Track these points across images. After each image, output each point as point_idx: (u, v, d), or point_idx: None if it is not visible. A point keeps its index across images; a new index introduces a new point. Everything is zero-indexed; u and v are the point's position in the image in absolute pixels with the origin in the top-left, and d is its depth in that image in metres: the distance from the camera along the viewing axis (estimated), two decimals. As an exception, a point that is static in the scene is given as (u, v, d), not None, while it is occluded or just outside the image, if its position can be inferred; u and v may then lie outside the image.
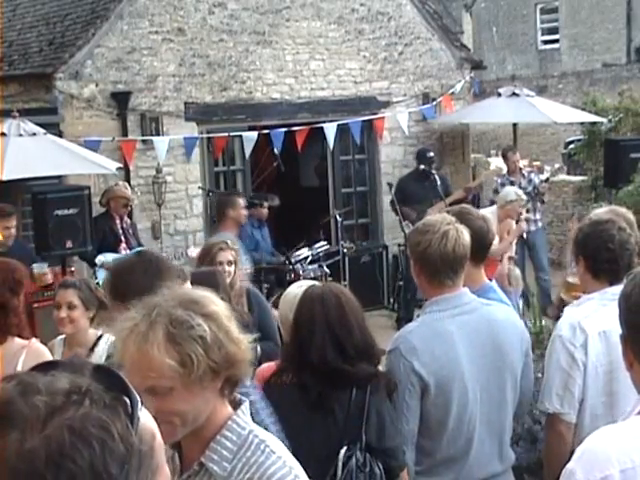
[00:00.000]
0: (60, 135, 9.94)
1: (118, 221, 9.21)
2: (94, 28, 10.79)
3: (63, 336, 4.89)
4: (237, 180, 12.36)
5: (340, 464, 3.28)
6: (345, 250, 11.25)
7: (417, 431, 3.57)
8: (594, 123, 14.19)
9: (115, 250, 8.90)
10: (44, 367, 1.20)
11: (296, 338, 3.48)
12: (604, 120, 14.08)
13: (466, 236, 3.60)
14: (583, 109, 14.85)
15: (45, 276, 7.81)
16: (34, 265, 7.80)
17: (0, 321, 4.33)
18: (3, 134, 8.52)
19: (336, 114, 12.49)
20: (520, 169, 11.57)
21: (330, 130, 11.88)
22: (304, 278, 9.37)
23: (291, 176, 13.23)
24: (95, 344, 4.77)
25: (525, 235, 10.40)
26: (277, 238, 11.27)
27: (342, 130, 12.17)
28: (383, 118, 12.83)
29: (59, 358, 4.62)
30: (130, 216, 10.46)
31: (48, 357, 4.35)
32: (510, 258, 8.37)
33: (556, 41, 31.34)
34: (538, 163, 18.36)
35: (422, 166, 11.61)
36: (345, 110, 12.65)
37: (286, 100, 12.27)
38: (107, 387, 1.13)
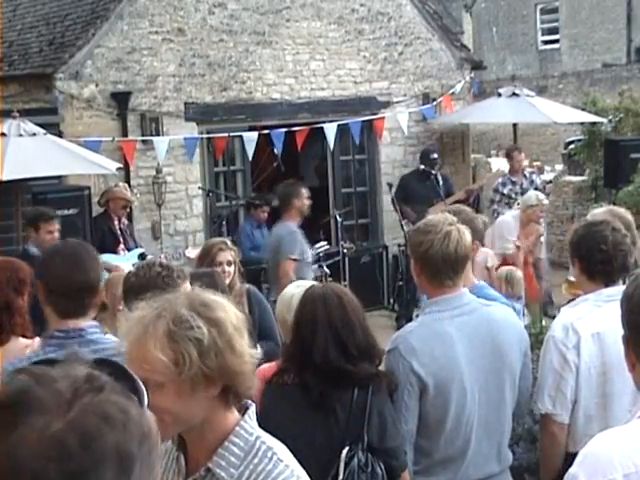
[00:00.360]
0: (60, 135, 9.93)
1: (116, 222, 9.21)
2: (94, 28, 10.79)
3: None
4: (237, 180, 12.36)
5: (342, 464, 3.28)
6: (345, 250, 11.24)
7: (415, 431, 3.58)
8: (594, 123, 14.19)
9: (114, 251, 8.90)
10: (46, 362, 1.22)
11: (298, 338, 3.48)
12: (604, 120, 14.08)
13: (468, 237, 3.60)
14: (583, 109, 14.85)
15: None
16: None
17: (4, 321, 4.30)
18: (3, 134, 8.52)
19: (336, 114, 12.49)
20: (522, 169, 11.55)
21: (330, 130, 11.88)
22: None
23: (291, 176, 13.20)
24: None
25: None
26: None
27: (342, 130, 12.17)
28: (383, 118, 12.83)
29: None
30: (130, 218, 10.47)
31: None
32: (526, 263, 8.35)
33: (556, 41, 31.34)
34: (538, 163, 18.39)
35: (422, 166, 11.61)
36: (345, 110, 12.65)
37: (286, 100, 12.27)
38: (114, 377, 1.18)
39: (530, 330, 5.28)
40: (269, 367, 3.86)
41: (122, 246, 9.02)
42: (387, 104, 13.15)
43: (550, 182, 11.95)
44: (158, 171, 11.07)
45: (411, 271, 3.75)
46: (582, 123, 15.04)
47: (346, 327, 3.38)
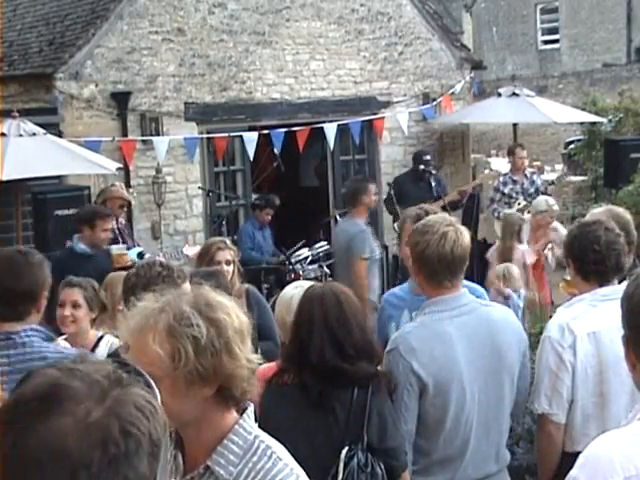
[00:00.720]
0: (60, 135, 9.93)
1: (114, 221, 9.20)
2: (94, 28, 10.79)
3: (64, 336, 4.89)
4: (237, 180, 12.36)
5: (341, 464, 3.28)
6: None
7: (415, 431, 3.58)
8: (594, 123, 14.20)
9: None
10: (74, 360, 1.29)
11: (296, 338, 3.49)
12: (604, 120, 14.08)
13: (466, 238, 3.61)
14: (583, 109, 14.86)
15: (123, 257, 7.72)
16: (112, 247, 7.71)
17: None
18: (3, 134, 8.52)
19: (336, 114, 12.49)
20: (524, 168, 11.51)
21: (330, 130, 11.88)
22: (304, 278, 9.37)
23: (291, 176, 13.22)
24: (96, 345, 4.77)
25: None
26: (277, 238, 11.27)
27: (342, 130, 12.17)
28: (383, 118, 12.83)
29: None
30: (130, 217, 10.47)
31: None
32: (538, 267, 8.35)
33: (556, 41, 31.36)
34: (538, 163, 18.39)
35: (422, 166, 11.60)
36: (345, 110, 12.65)
37: (286, 100, 12.26)
38: (128, 374, 1.24)
39: (530, 330, 5.29)
40: (268, 367, 3.86)
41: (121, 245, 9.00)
42: (387, 104, 13.15)
43: (553, 183, 11.90)
44: (158, 171, 11.07)
45: (405, 272, 3.77)
46: (582, 123, 15.05)
47: (342, 326, 3.38)
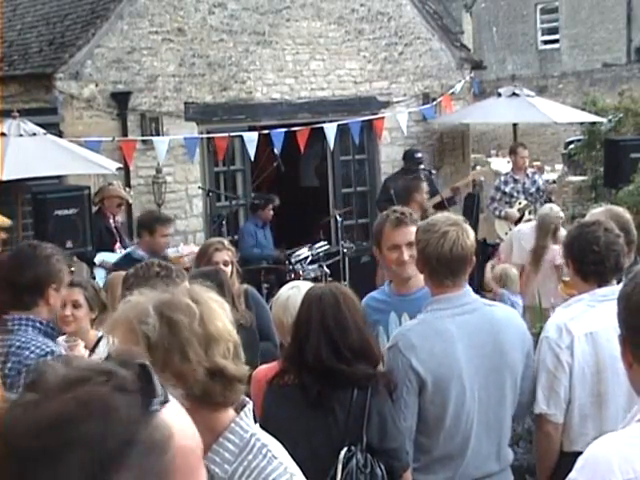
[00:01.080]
0: (60, 135, 9.93)
1: (111, 220, 9.21)
2: (94, 28, 10.79)
3: (65, 336, 4.88)
4: (237, 180, 12.37)
5: (340, 465, 3.28)
6: (345, 250, 11.24)
7: (415, 428, 3.59)
8: (594, 123, 14.19)
9: (111, 249, 8.89)
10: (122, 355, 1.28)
11: (296, 338, 3.49)
12: (604, 120, 14.08)
13: (468, 238, 3.61)
14: (583, 109, 14.86)
15: (180, 259, 7.67)
16: (168, 250, 7.68)
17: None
18: (3, 134, 8.52)
19: (336, 114, 12.49)
20: (525, 167, 11.49)
21: (330, 130, 11.88)
22: (304, 278, 9.38)
23: (291, 176, 13.23)
24: (95, 345, 4.77)
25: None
26: (277, 238, 11.28)
27: (342, 130, 12.17)
28: (383, 118, 12.83)
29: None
30: (130, 217, 10.47)
31: None
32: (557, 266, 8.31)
33: (556, 41, 31.36)
34: (538, 163, 18.37)
35: (422, 166, 11.61)
36: (345, 110, 12.65)
37: (286, 100, 12.27)
38: (137, 377, 1.17)
39: (531, 330, 5.29)
40: (267, 368, 3.86)
41: (119, 244, 9.01)
42: (387, 104, 13.15)
43: (554, 182, 11.89)
44: (158, 171, 11.07)
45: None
46: (582, 123, 15.05)
47: (339, 327, 3.37)
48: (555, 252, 8.10)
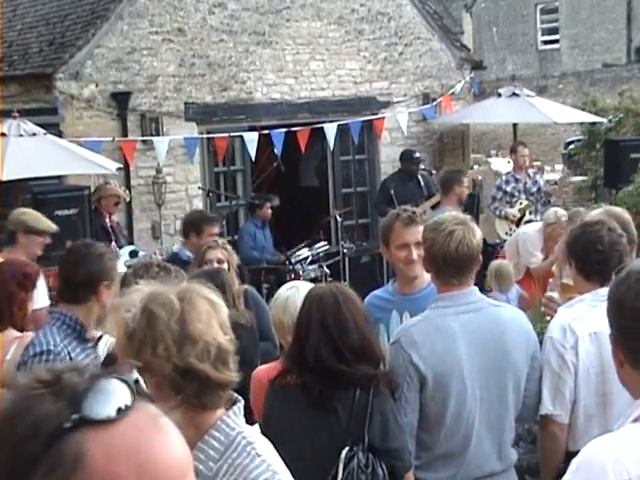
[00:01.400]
0: (60, 135, 9.93)
1: (107, 219, 9.20)
2: (94, 28, 10.79)
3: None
4: (237, 180, 12.37)
5: (341, 465, 3.28)
6: (345, 250, 11.24)
7: (417, 424, 3.61)
8: (594, 123, 14.21)
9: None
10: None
11: (296, 338, 3.49)
12: (604, 120, 14.09)
13: (475, 237, 3.62)
14: (583, 109, 14.87)
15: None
16: None
17: (4, 311, 4.50)
18: (3, 134, 8.52)
19: (336, 114, 12.49)
20: (526, 166, 11.49)
21: (330, 130, 11.88)
22: (304, 278, 9.38)
23: (291, 176, 13.23)
24: (95, 345, 4.76)
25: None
26: (277, 238, 11.28)
27: (342, 130, 12.17)
28: (383, 118, 12.84)
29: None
30: (130, 217, 10.47)
31: None
32: (548, 276, 8.28)
33: (556, 41, 31.36)
34: (538, 163, 18.38)
35: (422, 166, 11.61)
36: (345, 110, 12.65)
37: (286, 100, 12.27)
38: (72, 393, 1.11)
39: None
40: (267, 368, 3.86)
41: (114, 243, 9.00)
42: (387, 104, 13.15)
43: (555, 184, 11.90)
44: (158, 171, 11.08)
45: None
46: (582, 123, 15.06)
47: (338, 327, 3.37)
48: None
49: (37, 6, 12.26)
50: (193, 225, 7.08)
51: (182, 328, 2.08)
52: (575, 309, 3.78)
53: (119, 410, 1.09)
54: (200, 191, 11.47)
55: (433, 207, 10.91)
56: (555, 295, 4.27)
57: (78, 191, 8.98)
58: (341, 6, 12.73)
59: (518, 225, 10.17)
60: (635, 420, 2.05)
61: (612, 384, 3.64)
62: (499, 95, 13.48)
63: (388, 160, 13.17)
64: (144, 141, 10.96)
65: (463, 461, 3.64)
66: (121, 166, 10.35)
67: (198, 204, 11.55)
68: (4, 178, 8.08)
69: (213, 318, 2.13)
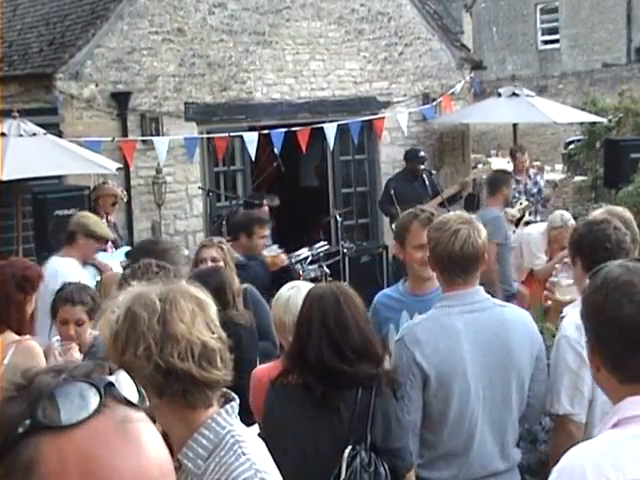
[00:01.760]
0: (60, 135, 9.93)
1: (104, 219, 9.19)
2: (94, 28, 10.79)
3: (57, 336, 4.87)
4: (237, 180, 12.37)
5: (344, 464, 3.28)
6: (345, 250, 11.24)
7: (420, 422, 3.61)
8: (594, 123, 14.21)
9: (103, 249, 8.85)
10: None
11: (297, 338, 3.49)
12: (604, 120, 14.09)
13: (480, 236, 3.63)
14: (583, 109, 14.87)
15: (279, 258, 7.46)
16: (264, 251, 7.37)
17: (1, 312, 4.45)
18: (3, 134, 8.52)
19: (336, 114, 12.48)
20: (527, 169, 11.52)
21: (330, 130, 11.88)
22: (304, 278, 9.37)
23: (291, 176, 13.23)
24: (93, 345, 4.76)
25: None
26: (277, 238, 11.26)
27: (342, 130, 12.17)
28: (383, 118, 12.83)
29: (56, 357, 4.64)
30: (130, 217, 10.46)
31: (37, 355, 4.38)
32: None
33: (556, 41, 31.36)
34: (538, 163, 18.38)
35: (422, 166, 11.58)
36: (345, 110, 12.65)
37: (286, 100, 12.26)
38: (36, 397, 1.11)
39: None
40: (267, 367, 3.86)
41: (110, 244, 8.99)
42: (387, 104, 13.15)
43: (556, 186, 11.90)
44: (158, 171, 11.07)
45: (398, 273, 3.83)
46: (582, 123, 15.06)
47: (339, 326, 3.37)
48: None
49: (37, 6, 12.26)
50: (244, 226, 6.97)
51: (163, 328, 2.09)
52: None
53: (78, 416, 1.07)
54: (200, 191, 11.47)
55: (468, 208, 10.97)
56: (561, 281, 4.25)
57: (78, 191, 8.98)
58: (341, 6, 12.72)
59: (517, 225, 10.16)
60: (614, 426, 2.04)
61: None
62: (499, 95, 13.48)
63: (388, 160, 13.17)
64: (144, 141, 10.95)
65: (466, 460, 3.64)
66: (121, 166, 10.35)
67: (198, 204, 11.55)
68: (4, 178, 8.08)
69: (198, 317, 2.13)
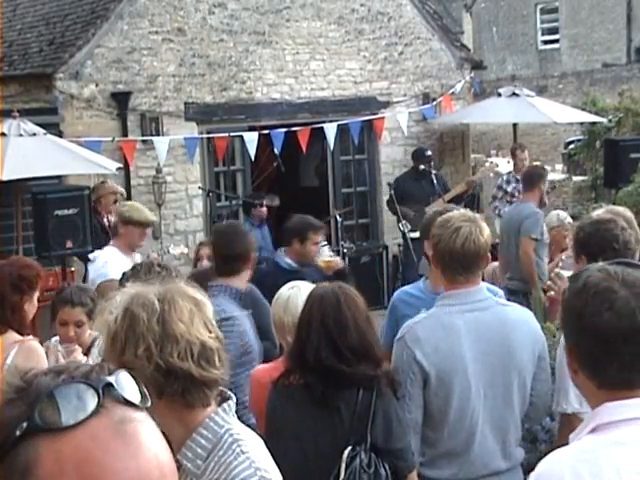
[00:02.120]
0: (60, 135, 9.93)
1: (105, 219, 9.19)
2: (94, 28, 10.79)
3: (56, 337, 4.86)
4: (237, 180, 12.36)
5: (344, 464, 3.28)
6: (345, 250, 11.24)
7: (421, 421, 3.61)
8: (594, 123, 14.20)
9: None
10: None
11: (298, 338, 3.49)
12: (604, 120, 14.09)
13: (482, 234, 3.62)
14: (583, 109, 14.87)
15: (332, 263, 7.34)
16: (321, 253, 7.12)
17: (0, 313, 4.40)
18: (3, 134, 8.52)
19: (336, 114, 12.48)
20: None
21: (330, 130, 11.87)
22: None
23: (291, 176, 13.22)
24: (91, 345, 4.75)
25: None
26: (277, 238, 11.26)
27: (342, 130, 12.17)
28: (383, 118, 12.83)
29: (56, 358, 4.64)
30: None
31: (39, 356, 4.37)
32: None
33: (556, 41, 31.36)
34: (538, 163, 18.38)
35: (422, 166, 11.58)
36: (345, 110, 12.64)
37: (286, 100, 12.26)
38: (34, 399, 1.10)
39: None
40: (267, 367, 3.86)
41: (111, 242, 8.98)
42: (387, 104, 13.15)
43: (554, 187, 11.90)
44: (158, 171, 11.07)
45: (409, 272, 3.81)
46: (582, 123, 15.06)
47: (338, 326, 3.36)
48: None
49: (37, 6, 12.25)
50: (297, 232, 6.72)
51: (163, 328, 2.09)
52: None
53: (76, 417, 1.06)
54: (200, 191, 11.47)
55: (468, 208, 10.98)
56: (565, 273, 4.24)
57: (78, 191, 8.97)
58: (341, 6, 12.72)
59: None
60: (592, 431, 2.02)
61: None
62: (499, 95, 13.48)
63: (388, 160, 13.17)
64: (144, 141, 10.95)
65: (467, 459, 3.64)
66: (121, 166, 10.35)
67: (198, 204, 11.55)
68: (4, 178, 8.09)
69: (196, 317, 2.13)
